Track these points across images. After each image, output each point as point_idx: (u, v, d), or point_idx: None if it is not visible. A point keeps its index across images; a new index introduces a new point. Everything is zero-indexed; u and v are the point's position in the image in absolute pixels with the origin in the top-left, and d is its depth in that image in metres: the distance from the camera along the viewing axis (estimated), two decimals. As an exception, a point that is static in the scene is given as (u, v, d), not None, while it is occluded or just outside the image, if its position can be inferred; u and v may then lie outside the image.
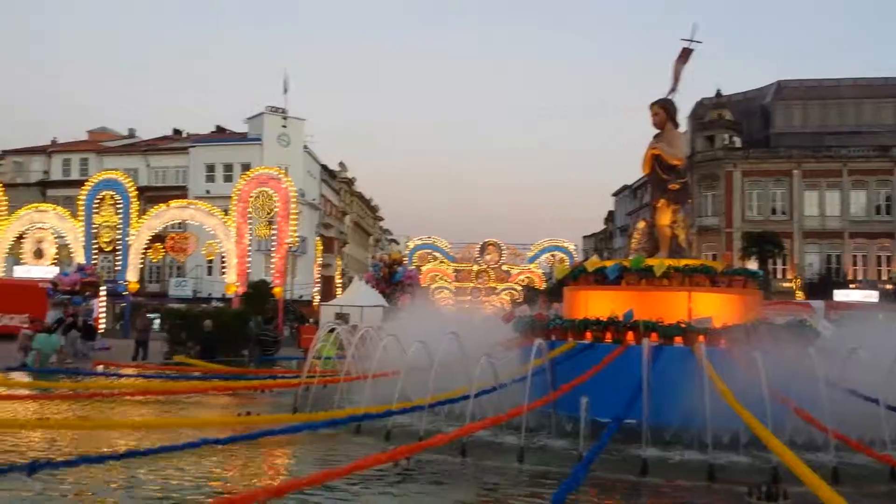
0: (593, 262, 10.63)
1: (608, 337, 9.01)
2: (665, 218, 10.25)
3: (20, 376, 14.02)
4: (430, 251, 50.07)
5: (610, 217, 78.40)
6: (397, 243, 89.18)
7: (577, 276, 10.44)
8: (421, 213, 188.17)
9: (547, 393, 8.11)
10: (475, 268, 48.63)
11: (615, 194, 74.23)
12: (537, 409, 7.98)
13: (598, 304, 9.59)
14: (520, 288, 47.54)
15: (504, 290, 47.88)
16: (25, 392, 12.01)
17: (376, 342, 10.31)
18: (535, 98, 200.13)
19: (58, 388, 12.39)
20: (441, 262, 49.32)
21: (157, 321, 25.88)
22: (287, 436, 7.84)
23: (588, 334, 9.12)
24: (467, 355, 8.58)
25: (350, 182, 77.00)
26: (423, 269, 45.87)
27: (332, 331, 12.64)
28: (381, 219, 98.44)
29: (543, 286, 44.62)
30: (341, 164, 73.17)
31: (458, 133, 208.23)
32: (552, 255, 48.39)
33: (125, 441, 7.60)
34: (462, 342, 8.69)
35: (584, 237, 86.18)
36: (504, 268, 48.86)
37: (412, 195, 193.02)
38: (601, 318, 9.12)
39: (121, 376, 14.74)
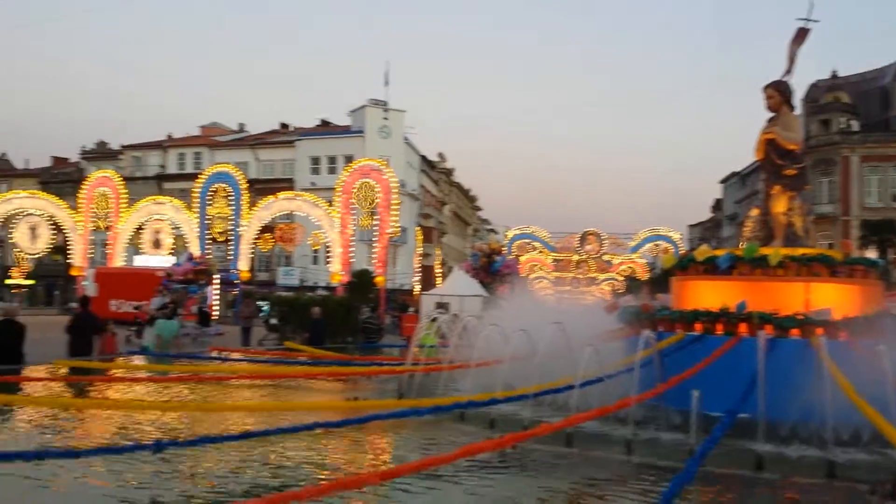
0: (703, 252, 10.23)
1: (719, 328, 8.68)
2: (780, 205, 9.77)
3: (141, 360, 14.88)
4: (529, 241, 49.75)
5: (717, 205, 75.76)
6: (496, 233, 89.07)
7: (686, 265, 10.11)
8: (520, 203, 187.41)
9: (654, 385, 7.91)
10: (575, 258, 47.98)
11: (723, 181, 71.64)
12: (644, 401, 7.80)
13: (708, 294, 9.26)
14: (621, 278, 46.60)
15: (605, 280, 47.02)
16: (145, 374, 12.72)
17: (478, 331, 10.36)
18: (636, 84, 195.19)
19: (176, 371, 13.03)
20: (540, 251, 48.93)
21: (266, 308, 26.92)
22: (393, 421, 8.01)
23: (698, 325, 8.83)
24: (571, 345, 8.48)
25: (449, 172, 77.50)
26: (522, 258, 45.60)
27: (433, 320, 12.78)
28: (479, 209, 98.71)
29: (646, 276, 43.58)
30: (440, 155, 73.75)
31: (558, 122, 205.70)
32: (655, 245, 47.17)
33: (240, 423, 7.92)
34: (565, 332, 8.60)
35: (690, 226, 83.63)
36: (605, 258, 47.98)
37: (511, 185, 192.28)
38: (712, 310, 8.80)
39: (234, 360, 15.35)
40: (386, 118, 57.06)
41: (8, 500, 5.09)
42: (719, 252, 9.94)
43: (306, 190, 43.79)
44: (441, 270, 53.92)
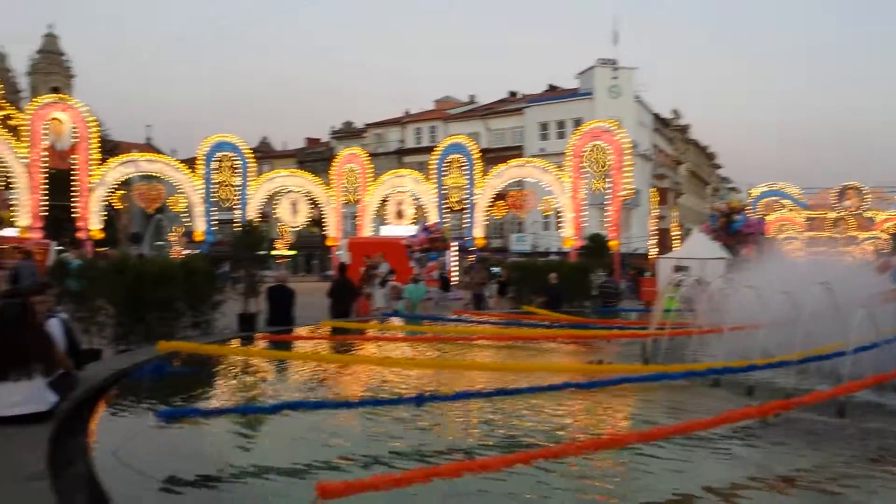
0: None
1: None
2: None
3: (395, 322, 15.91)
4: (777, 198, 46.10)
5: None
6: (738, 192, 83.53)
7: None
8: (767, 159, 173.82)
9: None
10: (832, 215, 43.66)
11: None
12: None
13: None
14: (887, 236, 41.68)
15: (867, 239, 42.35)
16: (399, 335, 13.60)
17: (727, 295, 9.81)
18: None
19: (425, 331, 13.79)
20: (790, 209, 45.16)
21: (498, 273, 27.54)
22: (638, 385, 7.85)
23: None
24: (839, 308, 7.72)
25: (684, 129, 73.77)
26: (770, 218, 42.37)
27: (678, 284, 12.28)
28: (718, 166, 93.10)
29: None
30: (675, 112, 70.37)
31: (811, 70, 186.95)
32: (926, 198, 41.58)
33: (486, 382, 8.17)
34: (832, 294, 7.84)
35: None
36: (867, 214, 43.17)
37: (755, 139, 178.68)
38: None
39: (476, 322, 15.92)
40: (615, 77, 55.49)
41: (292, 438, 5.68)
42: None
43: (536, 156, 43.98)
44: (678, 233, 51.72)
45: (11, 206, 29.43)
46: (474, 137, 46.51)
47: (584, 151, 33.23)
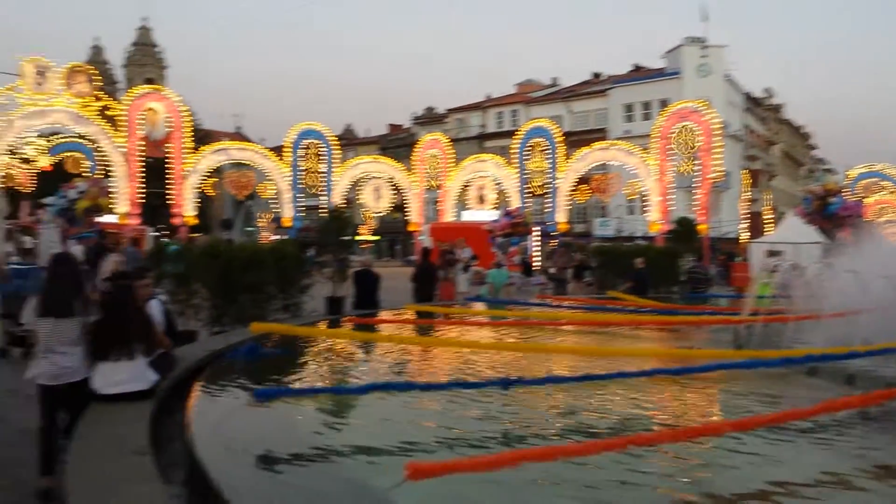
0: None
1: None
2: None
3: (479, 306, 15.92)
4: (876, 180, 43.70)
5: None
6: (834, 173, 79.76)
7: None
8: (866, 139, 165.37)
9: None
10: (937, 197, 41.14)
11: None
12: None
13: None
14: None
15: (975, 222, 39.77)
16: (482, 319, 13.59)
17: (825, 280, 9.38)
18: None
19: (509, 316, 13.74)
20: (891, 192, 42.78)
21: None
22: (728, 373, 7.60)
23: None
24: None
25: (777, 109, 70.89)
26: (868, 200, 40.25)
27: (772, 270, 11.83)
28: (814, 147, 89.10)
29: None
30: (767, 90, 67.70)
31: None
32: None
33: (570, 367, 8.07)
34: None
35: None
36: (976, 196, 40.48)
37: (853, 118, 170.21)
38: None
39: (560, 307, 15.77)
40: (704, 56, 53.76)
41: (381, 419, 5.76)
42: None
43: (620, 139, 43.12)
44: (771, 216, 49.86)
45: (111, 193, 30.89)
46: (557, 121, 45.94)
47: (672, 133, 32.37)
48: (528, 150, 36.34)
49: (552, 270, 25.66)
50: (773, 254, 22.70)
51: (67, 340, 5.66)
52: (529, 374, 7.03)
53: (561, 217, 35.43)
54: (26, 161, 35.48)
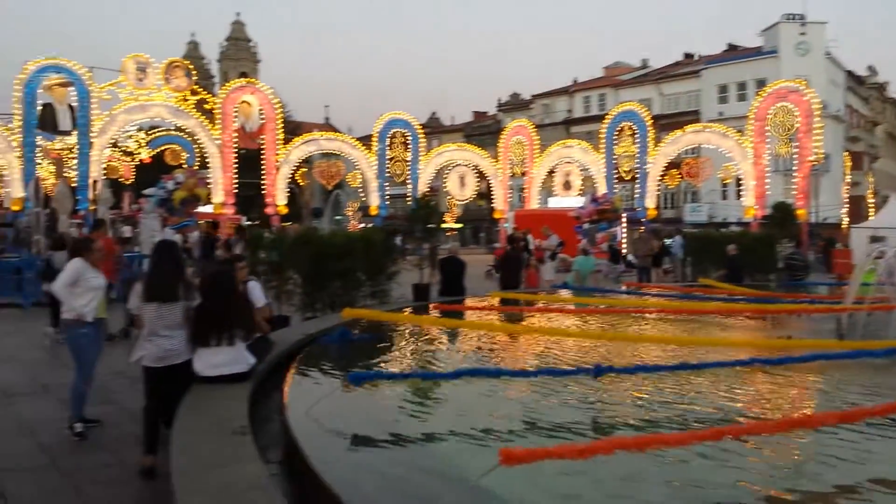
0: None
1: None
2: None
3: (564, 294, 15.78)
4: None
5: None
6: (946, 154, 74.92)
7: None
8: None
9: None
10: None
11: None
12: None
13: None
14: None
15: None
16: (569, 307, 13.47)
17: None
18: None
19: (594, 304, 13.54)
20: None
21: (675, 245, 26.53)
22: (828, 363, 7.28)
23: None
24: None
25: (882, 87, 67.06)
26: None
27: (878, 256, 11.23)
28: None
29: None
30: (871, 68, 64.11)
31: None
32: None
33: (660, 356, 7.89)
34: None
35: None
36: None
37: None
38: None
39: (649, 295, 15.42)
40: (803, 33, 51.34)
41: (471, 404, 5.79)
42: None
43: (713, 121, 41.74)
44: (874, 200, 47.33)
45: (208, 184, 32.06)
46: (646, 104, 44.84)
47: (769, 114, 31.07)
48: (617, 135, 35.62)
49: (632, 258, 25.17)
50: (876, 239, 21.60)
51: (171, 324, 5.92)
52: (619, 363, 6.92)
53: (650, 203, 34.59)
54: (128, 154, 37.24)
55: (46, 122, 27.59)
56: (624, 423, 5.22)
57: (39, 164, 27.90)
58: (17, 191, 26.95)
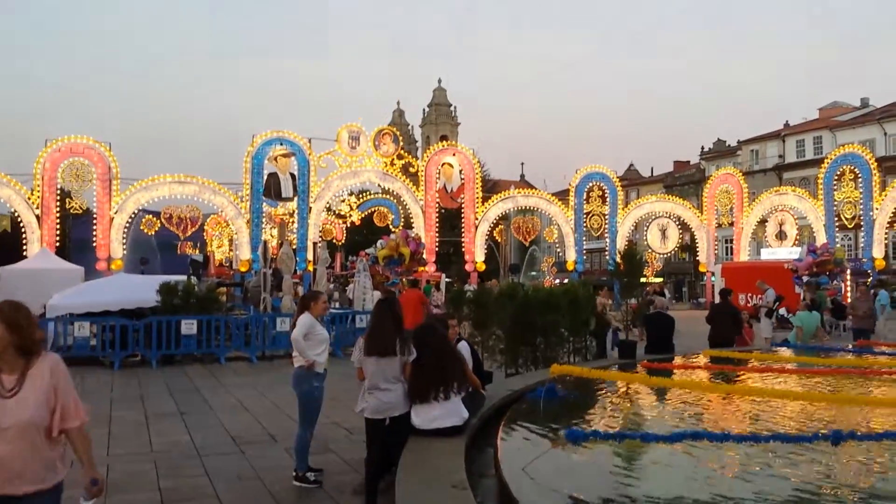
0: None
1: None
2: None
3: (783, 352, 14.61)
4: None
5: None
6: None
7: None
8: None
9: None
10: None
11: None
12: None
13: None
14: None
15: None
16: (788, 366, 12.42)
17: None
18: None
19: (820, 363, 12.41)
20: None
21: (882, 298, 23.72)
22: None
23: None
24: None
25: None
26: None
27: None
28: None
29: None
30: None
31: None
32: None
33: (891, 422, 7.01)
34: None
35: None
36: None
37: None
38: None
39: (880, 354, 13.91)
40: None
41: (692, 468, 5.45)
42: None
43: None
44: None
45: (419, 244, 33.60)
46: (869, 145, 41.24)
47: None
48: (837, 179, 33.03)
49: (855, 313, 22.69)
50: None
51: (390, 378, 6.20)
52: (864, 429, 6.24)
53: (877, 252, 31.54)
54: (340, 216, 40.04)
55: (271, 189, 30.49)
56: (870, 497, 4.69)
57: (264, 228, 30.76)
58: (244, 253, 29.87)
